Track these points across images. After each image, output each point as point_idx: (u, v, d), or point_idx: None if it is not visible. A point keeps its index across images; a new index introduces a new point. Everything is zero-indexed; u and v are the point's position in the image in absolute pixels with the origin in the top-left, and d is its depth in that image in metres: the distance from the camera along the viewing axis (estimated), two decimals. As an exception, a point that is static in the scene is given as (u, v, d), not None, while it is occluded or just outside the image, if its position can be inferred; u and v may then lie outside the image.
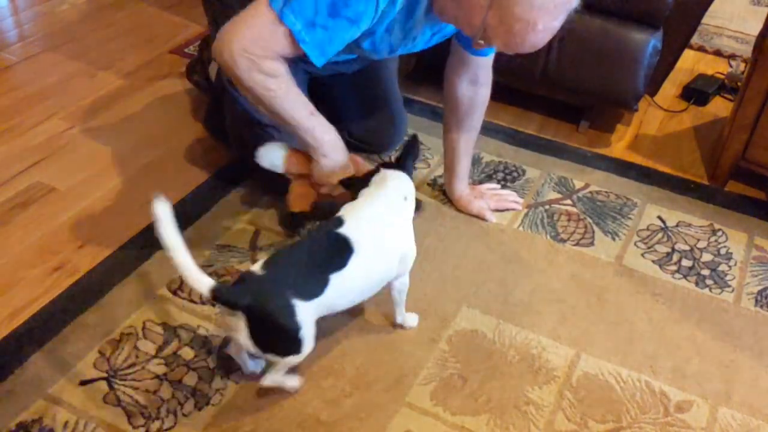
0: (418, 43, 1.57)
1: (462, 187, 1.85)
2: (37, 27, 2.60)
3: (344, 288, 1.29)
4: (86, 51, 2.43)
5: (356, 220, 1.35)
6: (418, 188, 1.89)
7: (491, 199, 1.87)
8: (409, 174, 1.48)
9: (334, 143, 1.47)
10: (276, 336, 1.24)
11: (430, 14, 1.43)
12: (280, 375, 1.31)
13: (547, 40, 1.30)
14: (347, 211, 1.38)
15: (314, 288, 1.25)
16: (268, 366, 1.34)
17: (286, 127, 1.46)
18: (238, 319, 1.20)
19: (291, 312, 1.21)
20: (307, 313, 1.24)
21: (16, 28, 2.62)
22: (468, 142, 1.80)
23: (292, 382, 1.34)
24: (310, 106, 1.44)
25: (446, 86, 1.76)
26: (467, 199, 1.85)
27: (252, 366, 1.37)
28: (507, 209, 1.86)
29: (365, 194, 1.41)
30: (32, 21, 2.64)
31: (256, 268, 1.26)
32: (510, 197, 1.89)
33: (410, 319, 1.51)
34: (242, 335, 1.22)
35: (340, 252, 1.30)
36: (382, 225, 1.37)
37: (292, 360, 1.27)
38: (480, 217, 1.82)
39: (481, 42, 1.33)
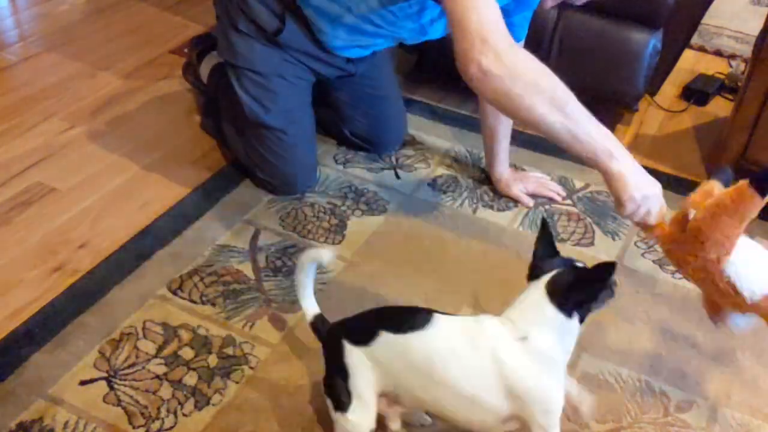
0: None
1: (502, 170, 1.87)
2: (37, 27, 2.60)
3: None
4: (86, 51, 2.43)
5: None
6: (417, 189, 1.90)
7: (531, 184, 1.88)
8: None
9: (631, 161, 1.22)
10: None
11: None
12: None
13: None
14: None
15: None
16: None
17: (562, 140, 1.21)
18: None
19: None
20: None
21: (16, 28, 2.61)
22: (507, 125, 1.83)
23: None
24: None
25: None
26: (507, 182, 1.87)
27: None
28: (546, 197, 1.87)
29: None
30: (32, 21, 2.64)
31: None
32: (551, 185, 1.90)
33: None
34: None
35: None
36: None
37: None
38: (517, 200, 1.85)
39: None
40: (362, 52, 1.77)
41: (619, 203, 1.23)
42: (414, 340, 1.12)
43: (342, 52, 1.69)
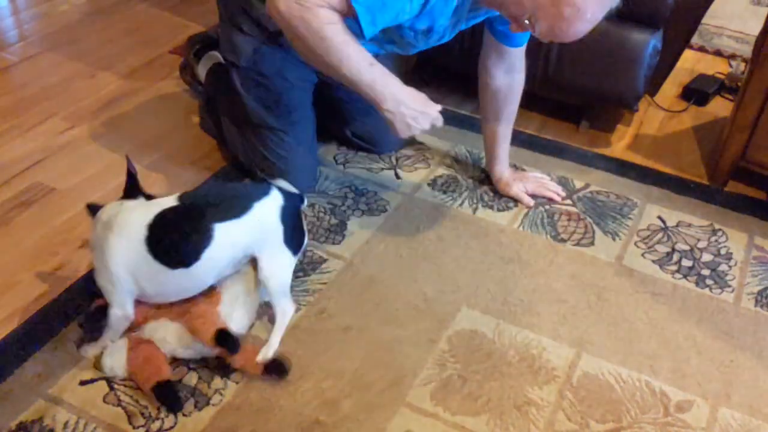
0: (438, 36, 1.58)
1: (502, 170, 1.88)
2: (37, 27, 2.60)
3: None
4: (86, 51, 2.43)
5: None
6: (418, 188, 1.90)
7: (531, 183, 1.88)
8: None
9: (400, 91, 1.43)
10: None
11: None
12: None
13: (586, 32, 1.34)
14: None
15: None
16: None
17: (344, 81, 1.42)
18: None
19: None
20: None
21: (16, 28, 2.62)
22: (507, 126, 1.83)
23: None
24: (369, 57, 1.41)
25: (483, 78, 1.77)
26: (507, 182, 1.87)
27: None
28: (545, 197, 1.88)
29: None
30: (32, 21, 2.65)
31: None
32: (551, 186, 1.90)
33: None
34: None
35: None
36: None
37: None
38: (518, 200, 1.86)
39: (527, 22, 1.34)
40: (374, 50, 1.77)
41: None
42: None
43: None
